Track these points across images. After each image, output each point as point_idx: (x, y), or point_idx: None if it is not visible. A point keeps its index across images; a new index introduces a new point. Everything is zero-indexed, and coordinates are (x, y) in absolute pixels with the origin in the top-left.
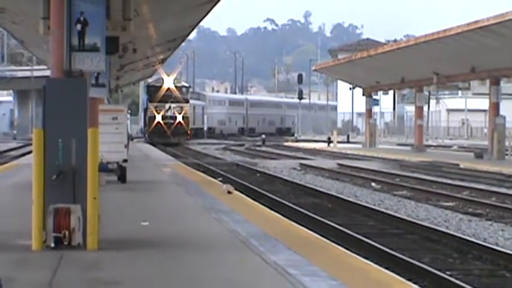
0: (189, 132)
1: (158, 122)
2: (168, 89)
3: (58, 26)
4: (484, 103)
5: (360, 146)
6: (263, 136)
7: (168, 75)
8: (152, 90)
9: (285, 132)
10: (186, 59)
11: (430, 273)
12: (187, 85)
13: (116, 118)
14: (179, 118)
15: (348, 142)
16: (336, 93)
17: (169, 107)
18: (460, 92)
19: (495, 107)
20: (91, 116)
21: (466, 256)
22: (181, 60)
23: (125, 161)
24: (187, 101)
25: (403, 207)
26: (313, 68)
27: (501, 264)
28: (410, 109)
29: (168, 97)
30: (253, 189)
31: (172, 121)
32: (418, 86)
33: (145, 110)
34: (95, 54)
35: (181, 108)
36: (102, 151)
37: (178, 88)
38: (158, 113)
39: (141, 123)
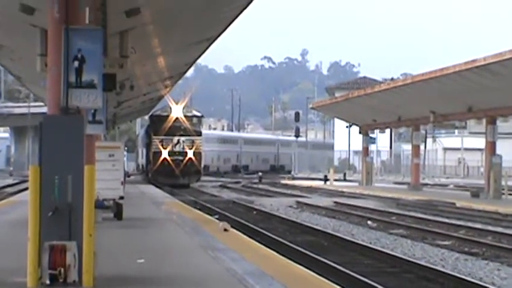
0: (201, 171)
1: (164, 159)
2: (177, 119)
3: (55, 62)
4: (480, 142)
5: (356, 184)
6: (259, 174)
7: (177, 103)
8: (157, 121)
9: (240, 170)
10: (193, 89)
11: None
12: (199, 114)
13: (113, 155)
14: (190, 154)
15: (345, 180)
16: (333, 131)
17: (178, 141)
18: (456, 130)
19: (491, 146)
20: (88, 152)
21: None
22: (192, 87)
23: (121, 198)
24: (199, 134)
25: (400, 245)
26: (310, 106)
27: None
28: (407, 147)
29: (177, 129)
30: (250, 227)
31: (181, 158)
32: (414, 125)
33: (148, 144)
34: (91, 91)
35: (193, 142)
36: (98, 188)
37: (189, 118)
38: (165, 148)
39: (140, 160)
